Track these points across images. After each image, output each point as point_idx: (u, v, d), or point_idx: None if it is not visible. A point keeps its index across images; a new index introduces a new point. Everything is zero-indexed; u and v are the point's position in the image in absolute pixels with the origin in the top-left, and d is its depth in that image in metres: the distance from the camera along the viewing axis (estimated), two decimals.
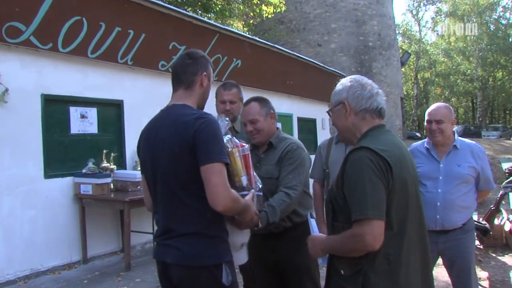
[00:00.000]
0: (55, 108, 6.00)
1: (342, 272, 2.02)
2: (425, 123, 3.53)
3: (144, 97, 6.98)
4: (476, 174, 3.40)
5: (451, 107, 3.57)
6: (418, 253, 2.04)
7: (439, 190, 3.36)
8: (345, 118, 2.13)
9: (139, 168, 3.28)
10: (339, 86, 2.19)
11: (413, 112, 48.13)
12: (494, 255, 6.28)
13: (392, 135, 2.13)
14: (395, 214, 1.92)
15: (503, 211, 7.36)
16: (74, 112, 6.26)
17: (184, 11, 8.14)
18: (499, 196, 7.03)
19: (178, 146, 2.14)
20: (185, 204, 2.18)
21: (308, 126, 13.20)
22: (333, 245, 2.05)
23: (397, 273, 1.93)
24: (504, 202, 6.90)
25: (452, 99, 45.67)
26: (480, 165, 3.41)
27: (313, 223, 2.43)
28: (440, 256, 3.54)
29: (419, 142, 3.69)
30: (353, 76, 2.20)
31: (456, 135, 3.51)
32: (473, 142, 3.58)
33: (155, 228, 2.41)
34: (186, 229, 2.17)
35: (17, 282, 5.38)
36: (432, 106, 3.56)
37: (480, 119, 46.36)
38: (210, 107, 3.61)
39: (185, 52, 2.39)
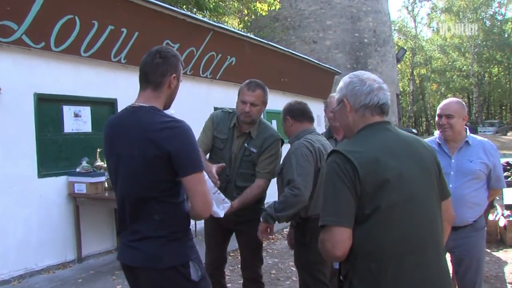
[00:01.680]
0: (48, 107, 5.98)
1: (341, 277, 1.99)
2: (436, 117, 3.48)
3: None
4: (487, 170, 3.36)
5: (463, 103, 3.51)
6: (419, 259, 1.84)
7: (450, 185, 3.27)
8: (347, 117, 2.04)
9: None
10: (340, 83, 2.10)
11: (409, 108, 48.25)
12: (488, 250, 6.29)
13: (387, 133, 1.98)
14: (372, 218, 1.80)
15: (498, 206, 7.39)
16: (68, 111, 6.24)
17: (177, 9, 8.12)
18: None
19: (153, 155, 2.10)
20: (154, 210, 2.17)
21: None
22: None
23: (381, 281, 1.81)
24: (498, 198, 6.91)
25: (448, 95, 45.77)
26: (492, 161, 3.37)
27: None
28: (448, 253, 3.50)
29: (431, 137, 3.64)
30: (355, 72, 2.11)
31: (468, 131, 3.47)
32: (485, 139, 3.54)
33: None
34: (153, 233, 2.17)
35: (11, 281, 5.36)
36: (444, 101, 3.52)
37: (476, 115, 46.53)
38: (230, 105, 3.58)
39: (156, 50, 2.27)
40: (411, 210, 1.85)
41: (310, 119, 3.52)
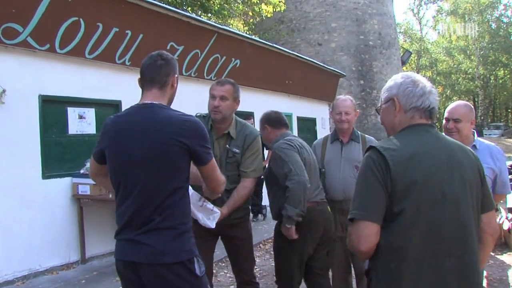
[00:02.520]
0: (52, 109, 6.01)
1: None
2: (443, 121, 3.43)
3: None
4: (494, 176, 3.32)
5: (471, 106, 3.46)
6: (439, 265, 1.80)
7: None
8: (394, 116, 2.02)
9: None
10: (389, 82, 2.08)
11: None
12: (492, 253, 6.26)
13: (426, 135, 1.95)
14: (399, 218, 1.79)
15: (502, 210, 7.35)
16: (72, 112, 6.27)
17: (182, 11, 8.15)
18: None
19: (176, 147, 2.20)
20: (168, 201, 2.22)
21: (308, 126, 13.20)
22: None
23: (398, 282, 1.80)
24: (502, 201, 6.88)
25: (454, 98, 45.62)
26: (499, 166, 3.33)
27: None
28: None
29: None
30: (405, 73, 2.08)
31: (475, 135, 3.43)
32: (492, 143, 3.50)
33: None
34: (161, 225, 2.21)
35: (15, 282, 5.39)
36: (452, 104, 3.46)
37: (482, 117, 46.31)
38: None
39: (156, 53, 2.43)
40: (438, 215, 1.82)
41: (286, 125, 3.82)
